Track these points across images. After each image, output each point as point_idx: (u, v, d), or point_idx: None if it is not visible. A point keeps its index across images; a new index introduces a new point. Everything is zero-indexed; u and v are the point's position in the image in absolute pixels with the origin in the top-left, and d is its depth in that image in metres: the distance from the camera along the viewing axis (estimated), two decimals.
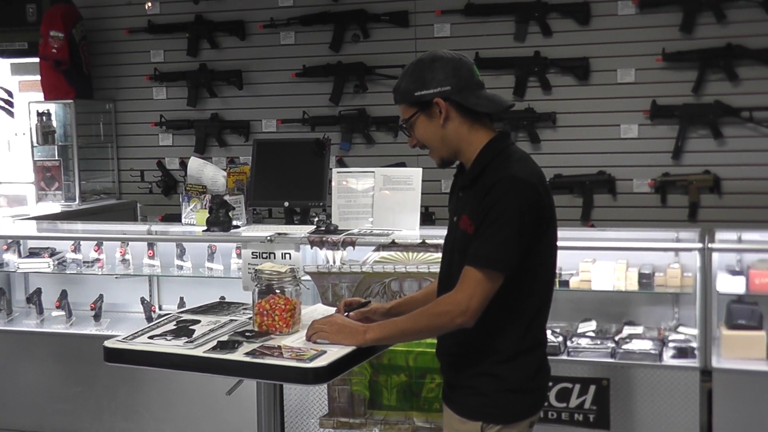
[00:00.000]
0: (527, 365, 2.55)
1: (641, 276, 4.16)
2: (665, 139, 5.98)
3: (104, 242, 4.99)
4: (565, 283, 4.23)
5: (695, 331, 4.05)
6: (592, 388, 4.03)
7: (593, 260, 4.25)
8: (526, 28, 6.22)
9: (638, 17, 6.02)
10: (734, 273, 4.10)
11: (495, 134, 2.57)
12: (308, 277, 4.23)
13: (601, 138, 6.10)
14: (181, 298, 4.90)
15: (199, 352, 2.50)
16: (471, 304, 2.42)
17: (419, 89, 2.51)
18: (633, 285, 4.17)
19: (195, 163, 5.05)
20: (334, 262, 4.27)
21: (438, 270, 3.90)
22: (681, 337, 4.13)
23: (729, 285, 4.06)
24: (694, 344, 4.04)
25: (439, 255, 4.04)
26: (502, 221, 2.41)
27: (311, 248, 4.33)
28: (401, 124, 2.62)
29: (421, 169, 4.61)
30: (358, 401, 4.24)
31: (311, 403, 4.34)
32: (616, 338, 4.13)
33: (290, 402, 4.37)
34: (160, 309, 5.04)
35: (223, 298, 3.85)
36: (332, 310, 3.07)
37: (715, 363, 3.98)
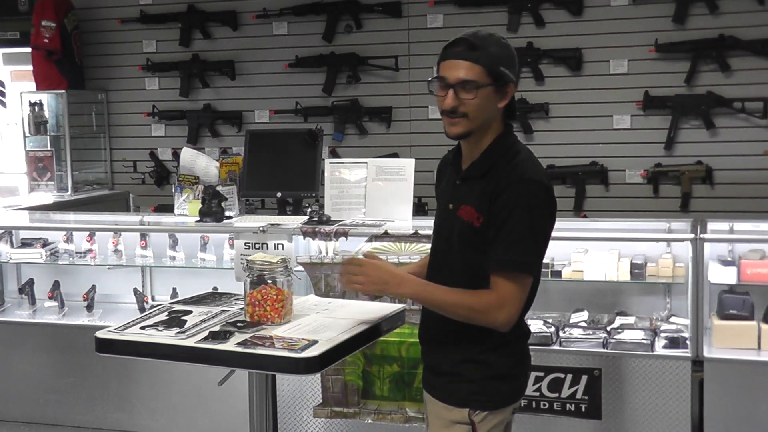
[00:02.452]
0: (514, 353, 2.59)
1: (633, 266, 4.17)
2: (658, 130, 5.99)
3: (97, 233, 4.99)
4: (558, 274, 4.24)
5: (687, 321, 4.06)
6: (584, 378, 4.04)
7: (585, 251, 4.26)
8: (519, 19, 6.21)
9: (631, 8, 6.02)
10: (726, 263, 4.11)
11: (503, 128, 2.59)
12: (301, 268, 4.24)
13: (594, 129, 6.10)
14: (174, 289, 4.89)
15: (190, 342, 2.50)
16: (514, 315, 2.46)
17: (507, 66, 2.49)
18: (625, 275, 4.18)
19: (187, 154, 5.05)
20: (327, 253, 4.27)
21: None
22: (673, 327, 4.14)
23: (720, 275, 4.07)
24: (686, 334, 4.05)
25: None
26: (527, 224, 2.43)
27: (304, 239, 4.33)
28: (456, 83, 2.46)
29: (413, 160, 4.62)
30: (352, 391, 4.25)
31: (305, 393, 4.34)
32: (608, 328, 4.14)
33: (283, 392, 4.38)
34: (153, 299, 5.04)
35: (215, 288, 3.85)
36: (325, 301, 3.07)
37: (707, 353, 3.99)
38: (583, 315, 4.28)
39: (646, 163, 6.00)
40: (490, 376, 2.54)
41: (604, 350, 4.07)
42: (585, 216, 5.97)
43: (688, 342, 4.02)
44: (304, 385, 4.32)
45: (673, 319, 4.21)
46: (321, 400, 4.30)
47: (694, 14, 5.92)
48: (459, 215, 2.54)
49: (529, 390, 4.01)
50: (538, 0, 6.15)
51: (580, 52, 6.10)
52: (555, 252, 4.26)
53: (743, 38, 5.79)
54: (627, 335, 4.07)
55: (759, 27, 5.79)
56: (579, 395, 4.05)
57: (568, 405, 4.06)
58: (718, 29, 5.84)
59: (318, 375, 4.18)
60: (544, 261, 4.27)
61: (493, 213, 2.45)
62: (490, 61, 2.46)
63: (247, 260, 2.73)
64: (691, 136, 5.95)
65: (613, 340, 4.06)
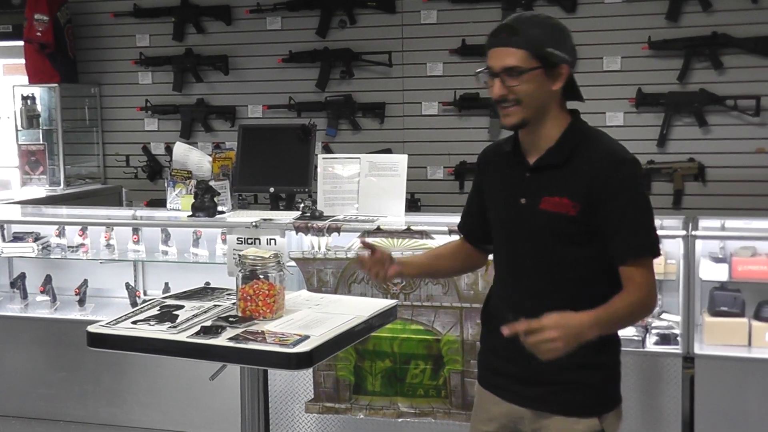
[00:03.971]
0: (617, 347, 2.56)
1: None
2: (650, 127, 6.00)
3: (89, 227, 4.97)
4: None
5: (678, 318, 4.07)
6: None
7: None
8: None
9: (624, 5, 6.03)
10: (717, 260, 4.12)
11: (573, 114, 2.51)
12: (293, 263, 4.24)
13: None
14: (166, 284, 4.89)
15: (182, 337, 2.50)
16: (655, 298, 2.45)
17: (554, 47, 2.40)
18: None
19: (180, 149, 5.04)
20: (319, 248, 4.27)
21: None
22: (664, 323, 4.15)
23: (712, 272, 4.08)
24: (677, 331, 4.07)
25: (425, 241, 4.08)
26: (643, 205, 2.40)
27: (296, 234, 4.33)
28: (501, 71, 2.38)
29: (406, 156, 4.61)
30: (344, 386, 4.25)
31: (297, 388, 4.35)
32: None
33: (276, 387, 4.38)
34: (145, 294, 5.04)
35: (207, 283, 3.86)
36: (317, 296, 3.07)
37: (698, 349, 4.01)
38: None
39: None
40: (609, 377, 2.52)
41: None
42: None
43: (679, 339, 4.03)
44: (295, 381, 4.32)
45: (664, 315, 4.22)
46: (313, 396, 4.30)
47: (687, 12, 5.93)
48: (543, 209, 2.42)
49: None
50: None
51: None
52: None
53: (736, 36, 5.80)
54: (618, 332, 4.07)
55: (752, 25, 5.80)
56: None
57: None
58: (711, 27, 5.85)
59: (310, 370, 4.19)
60: None
61: (601, 200, 2.36)
62: (534, 44, 2.37)
63: (239, 255, 2.73)
64: (683, 134, 5.96)
65: None
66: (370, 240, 2.98)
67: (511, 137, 2.55)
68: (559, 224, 2.41)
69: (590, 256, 2.43)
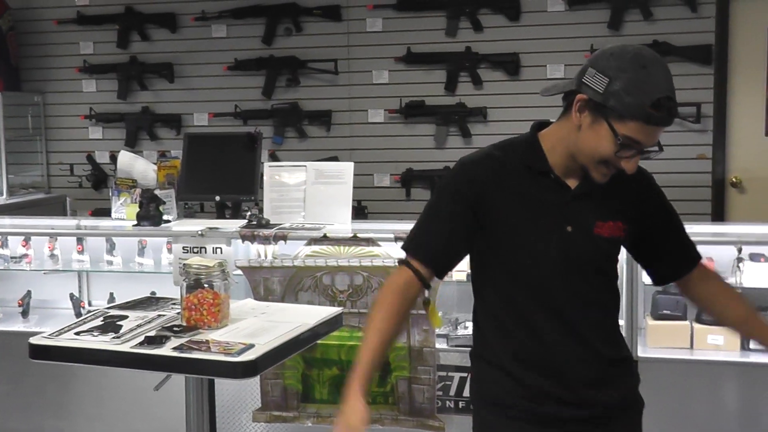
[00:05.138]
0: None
1: None
2: None
3: (32, 237, 4.90)
4: None
5: (621, 322, 4.12)
6: None
7: None
8: (458, 24, 6.27)
9: (567, 14, 6.12)
10: None
11: None
12: (240, 272, 4.23)
13: None
14: (111, 294, 4.84)
15: (126, 347, 2.49)
16: None
17: None
18: None
19: (125, 157, 4.99)
20: (266, 257, 4.26)
21: (371, 264, 3.97)
22: None
23: None
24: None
25: (372, 249, 4.09)
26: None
27: (243, 242, 4.32)
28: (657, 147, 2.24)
29: (352, 164, 4.62)
30: (291, 395, 4.25)
31: (244, 397, 4.33)
32: None
33: (223, 397, 4.35)
34: (90, 305, 4.98)
35: (153, 293, 3.83)
36: (262, 305, 3.07)
37: (641, 352, 4.06)
38: None
39: None
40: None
41: None
42: None
43: None
44: (243, 390, 4.30)
45: None
46: (260, 405, 4.29)
47: (629, 20, 6.03)
48: (598, 234, 2.27)
49: (467, 391, 4.04)
50: (476, 5, 6.22)
51: (517, 56, 6.18)
52: None
53: (676, 44, 5.91)
54: None
55: (691, 33, 5.92)
56: None
57: None
58: (652, 35, 5.95)
59: (257, 379, 4.18)
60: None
61: (646, 215, 2.37)
62: None
63: (183, 264, 2.72)
64: None
65: None
66: None
67: (520, 149, 2.32)
68: (613, 249, 2.34)
69: (615, 276, 2.43)
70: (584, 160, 2.21)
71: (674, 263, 2.43)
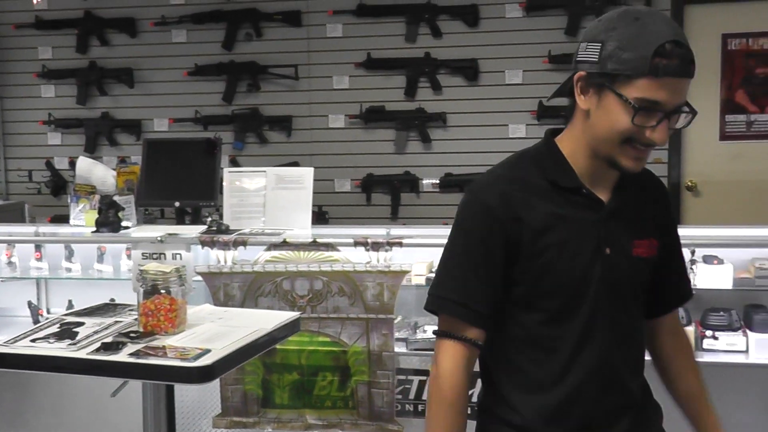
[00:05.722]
0: None
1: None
2: None
3: None
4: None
5: None
6: (479, 382, 4.11)
7: None
8: (417, 30, 6.32)
9: (525, 20, 6.18)
10: None
11: None
12: (200, 278, 4.23)
13: (490, 138, 6.24)
14: (70, 301, 4.80)
15: (82, 354, 2.48)
16: None
17: None
18: None
19: (84, 163, 4.97)
20: (226, 262, 4.27)
21: (330, 269, 3.98)
22: None
23: None
24: None
25: (331, 253, 4.11)
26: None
27: (202, 248, 4.32)
28: (674, 109, 1.86)
29: (312, 169, 4.64)
30: (251, 400, 4.25)
31: (204, 403, 4.32)
32: None
33: (184, 403, 4.34)
34: (49, 312, 4.94)
35: (112, 300, 3.81)
36: (220, 310, 3.08)
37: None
38: None
39: None
40: None
41: None
42: None
43: None
44: (203, 395, 4.29)
45: None
46: (220, 410, 4.28)
47: (586, 26, 6.07)
48: (637, 255, 1.99)
49: (426, 395, 4.08)
50: (435, 11, 6.27)
51: (476, 62, 6.23)
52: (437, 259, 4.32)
53: None
54: None
55: None
56: (474, 399, 4.11)
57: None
58: None
59: (217, 385, 4.18)
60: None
61: (664, 233, 2.07)
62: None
63: (140, 270, 2.72)
64: None
65: None
66: None
67: (541, 163, 2.01)
68: (649, 271, 2.04)
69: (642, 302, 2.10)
70: (607, 149, 1.90)
71: (665, 295, 2.13)
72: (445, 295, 1.99)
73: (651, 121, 1.82)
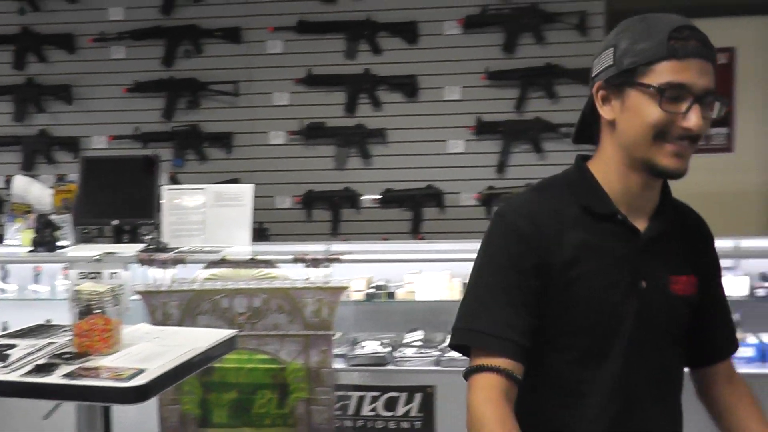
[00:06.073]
0: None
1: (465, 286, 4.32)
2: (490, 154, 6.23)
3: None
4: (392, 295, 4.35)
5: None
6: (418, 396, 4.16)
7: (419, 271, 4.39)
8: (357, 46, 6.35)
9: (463, 37, 6.25)
10: None
11: None
12: (139, 297, 4.21)
13: (430, 153, 6.28)
14: (4, 323, 4.75)
15: (14, 376, 2.46)
16: None
17: None
18: (456, 295, 4.33)
19: (20, 181, 4.93)
20: (164, 281, 4.25)
21: (269, 286, 3.99)
22: None
23: None
24: None
25: (269, 270, 4.12)
26: None
27: (141, 267, 4.30)
28: (704, 94, 1.74)
29: (252, 186, 4.66)
30: (189, 420, 4.23)
31: (142, 424, 4.28)
32: (441, 347, 4.28)
33: (120, 424, 4.27)
34: None
35: (48, 321, 3.78)
36: (157, 329, 3.07)
37: None
38: (418, 335, 4.40)
39: (479, 186, 6.21)
40: None
41: (437, 368, 4.20)
42: (422, 238, 6.14)
43: None
44: (141, 417, 4.26)
45: None
46: (159, 431, 4.26)
47: (523, 44, 6.20)
48: (674, 291, 1.84)
49: (366, 410, 4.11)
50: (374, 28, 6.31)
51: (415, 79, 6.28)
52: (390, 274, 4.37)
53: (568, 67, 6.10)
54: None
55: (582, 57, 6.10)
56: (413, 413, 4.16)
57: (402, 423, 4.16)
58: (545, 58, 6.14)
59: (155, 405, 4.16)
60: (380, 284, 4.37)
61: (707, 275, 1.93)
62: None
63: (74, 290, 2.71)
64: (521, 160, 6.21)
65: (445, 358, 4.20)
66: None
67: (573, 189, 1.88)
68: (688, 311, 1.88)
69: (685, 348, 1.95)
70: (641, 151, 1.77)
71: (711, 344, 1.97)
72: (475, 327, 1.83)
73: (680, 107, 1.72)
